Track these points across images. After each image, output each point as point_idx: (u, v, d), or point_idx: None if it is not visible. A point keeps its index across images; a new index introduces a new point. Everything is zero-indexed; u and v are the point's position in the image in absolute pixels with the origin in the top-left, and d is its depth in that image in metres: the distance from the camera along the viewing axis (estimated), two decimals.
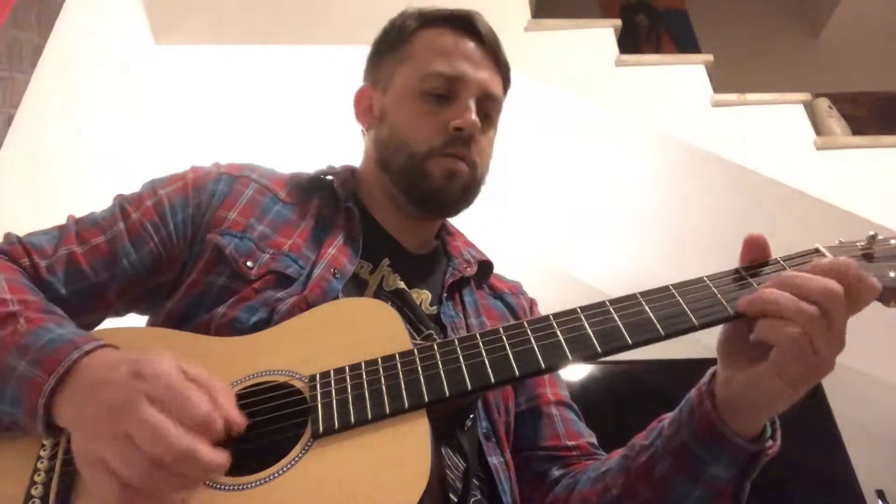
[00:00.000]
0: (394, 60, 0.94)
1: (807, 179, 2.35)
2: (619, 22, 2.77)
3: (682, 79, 2.61)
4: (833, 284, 0.60)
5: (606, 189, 2.93)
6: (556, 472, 0.85)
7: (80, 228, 0.81)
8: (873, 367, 2.67)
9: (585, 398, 2.73)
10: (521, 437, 0.89)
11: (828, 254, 0.67)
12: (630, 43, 3.82)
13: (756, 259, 0.68)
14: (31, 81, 1.83)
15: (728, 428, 0.67)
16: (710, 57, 2.67)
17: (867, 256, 0.67)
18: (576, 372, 2.75)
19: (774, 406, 0.66)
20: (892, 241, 0.68)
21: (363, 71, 1.00)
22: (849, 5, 4.14)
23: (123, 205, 0.84)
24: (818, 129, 2.62)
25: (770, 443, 0.68)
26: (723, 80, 2.71)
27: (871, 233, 0.69)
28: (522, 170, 2.99)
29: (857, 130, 2.90)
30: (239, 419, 0.58)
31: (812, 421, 2.61)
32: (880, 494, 2.56)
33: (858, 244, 0.68)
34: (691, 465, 0.69)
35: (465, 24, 0.92)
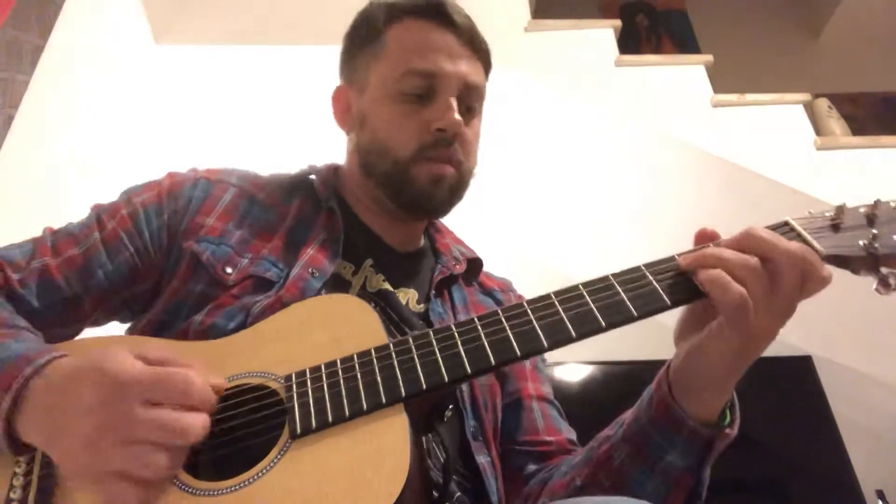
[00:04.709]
0: (367, 57, 0.90)
1: (807, 179, 2.35)
2: (618, 22, 2.77)
3: (682, 79, 2.60)
4: (789, 244, 0.60)
5: (606, 189, 2.93)
6: (532, 467, 0.84)
7: (56, 240, 0.80)
8: (873, 367, 2.67)
9: (585, 398, 2.75)
10: (501, 431, 0.87)
11: (797, 226, 0.66)
12: (630, 43, 3.83)
13: None
14: (31, 81, 1.83)
15: (682, 409, 0.66)
16: (710, 57, 2.67)
17: (835, 227, 0.67)
18: (576, 372, 2.75)
19: (718, 380, 0.65)
20: (861, 210, 0.67)
21: (338, 67, 0.96)
22: (849, 5, 4.14)
23: (100, 215, 0.83)
24: (818, 129, 2.62)
25: (728, 430, 0.67)
26: (723, 80, 2.70)
27: (840, 203, 0.68)
28: (521, 170, 2.99)
29: (857, 130, 2.90)
30: (218, 381, 0.62)
31: (812, 421, 2.60)
32: (880, 494, 2.55)
33: (827, 214, 0.68)
34: (648, 452, 0.68)
35: (436, 13, 0.87)
